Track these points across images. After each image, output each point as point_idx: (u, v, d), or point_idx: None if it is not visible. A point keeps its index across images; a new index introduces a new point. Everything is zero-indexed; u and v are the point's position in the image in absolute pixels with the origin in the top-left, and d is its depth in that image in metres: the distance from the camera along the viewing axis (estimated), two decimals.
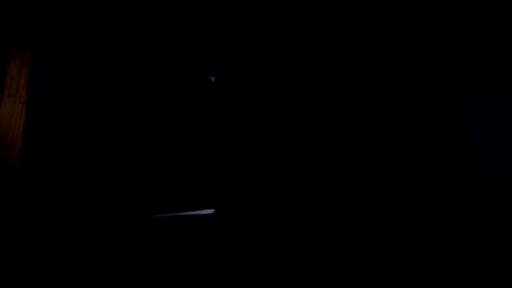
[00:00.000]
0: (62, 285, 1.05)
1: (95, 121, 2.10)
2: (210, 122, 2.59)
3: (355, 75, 2.02)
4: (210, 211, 2.49)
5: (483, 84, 1.95)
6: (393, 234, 1.66)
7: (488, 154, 1.91)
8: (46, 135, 1.96)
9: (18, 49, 1.95)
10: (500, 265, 1.19)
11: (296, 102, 2.06)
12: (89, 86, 2.10)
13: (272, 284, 1.05)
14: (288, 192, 2.02)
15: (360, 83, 2.00)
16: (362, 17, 2.04)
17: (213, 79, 2.33)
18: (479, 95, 1.94)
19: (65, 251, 1.34)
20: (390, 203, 1.92)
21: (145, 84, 2.30)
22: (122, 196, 2.15)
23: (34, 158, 1.90)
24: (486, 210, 1.88)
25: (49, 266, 1.20)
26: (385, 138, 1.97)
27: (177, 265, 1.22)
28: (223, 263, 1.25)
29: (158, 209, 2.32)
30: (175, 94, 2.44)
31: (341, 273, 1.11)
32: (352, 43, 2.04)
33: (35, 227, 1.86)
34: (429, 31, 1.99)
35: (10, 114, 1.84)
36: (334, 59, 2.05)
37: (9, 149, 1.82)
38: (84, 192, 2.04)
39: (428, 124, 1.95)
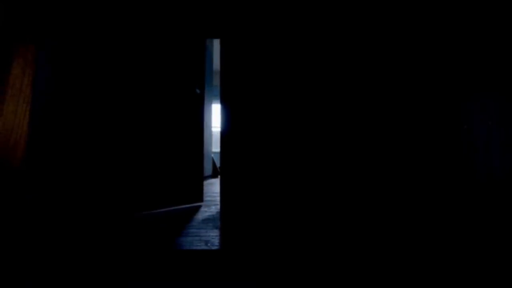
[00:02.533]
0: (62, 285, 1.06)
1: (98, 121, 2.11)
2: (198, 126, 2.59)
3: (352, 74, 2.02)
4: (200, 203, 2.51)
5: (483, 84, 1.96)
6: (393, 235, 1.67)
7: (488, 154, 1.92)
8: (50, 135, 1.96)
9: (21, 49, 1.96)
10: (500, 265, 1.20)
11: (289, 101, 2.06)
12: (91, 87, 2.11)
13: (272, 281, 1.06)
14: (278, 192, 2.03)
15: (358, 82, 2.01)
16: (361, 14, 2.05)
17: (198, 91, 2.38)
18: (479, 95, 1.95)
19: (66, 251, 1.34)
20: (390, 204, 1.93)
21: (144, 85, 2.31)
22: (124, 194, 2.15)
23: (37, 158, 1.91)
24: (486, 210, 1.89)
25: (50, 266, 1.21)
26: (384, 138, 1.98)
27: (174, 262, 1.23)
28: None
29: (150, 206, 2.33)
30: (175, 95, 2.45)
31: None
32: (349, 40, 2.04)
33: (36, 227, 1.86)
34: (429, 30, 2.00)
35: (14, 113, 1.85)
36: (331, 59, 2.05)
37: (12, 150, 1.82)
38: (86, 192, 2.04)
39: (428, 124, 1.96)
